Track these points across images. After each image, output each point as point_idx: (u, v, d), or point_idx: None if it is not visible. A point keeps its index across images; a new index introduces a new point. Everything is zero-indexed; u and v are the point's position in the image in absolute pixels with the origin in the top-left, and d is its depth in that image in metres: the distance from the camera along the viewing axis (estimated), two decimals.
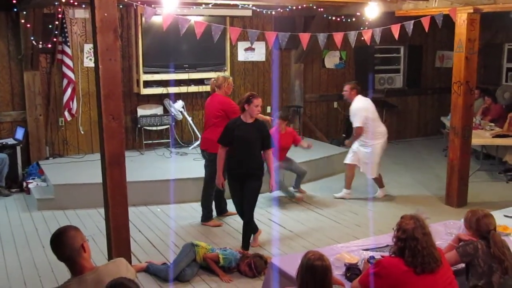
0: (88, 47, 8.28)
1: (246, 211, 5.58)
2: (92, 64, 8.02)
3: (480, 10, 6.53)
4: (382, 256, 3.65)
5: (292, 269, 3.56)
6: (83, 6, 8.02)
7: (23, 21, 7.37)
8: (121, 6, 8.20)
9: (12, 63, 7.96)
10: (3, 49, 7.89)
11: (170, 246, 5.78)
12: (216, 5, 7.65)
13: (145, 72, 8.47)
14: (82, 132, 8.50)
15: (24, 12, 7.33)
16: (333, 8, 8.62)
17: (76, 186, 7.07)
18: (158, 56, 8.57)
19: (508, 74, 11.00)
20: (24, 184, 7.60)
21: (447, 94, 8.15)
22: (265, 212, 6.81)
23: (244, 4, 7.96)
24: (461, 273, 3.68)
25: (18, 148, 7.82)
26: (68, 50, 7.94)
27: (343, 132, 10.62)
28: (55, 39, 7.82)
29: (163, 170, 7.63)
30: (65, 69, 7.93)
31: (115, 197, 4.70)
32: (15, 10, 7.53)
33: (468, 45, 6.63)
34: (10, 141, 7.87)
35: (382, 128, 7.21)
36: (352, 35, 6.10)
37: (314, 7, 8.41)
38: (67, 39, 7.94)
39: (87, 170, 7.58)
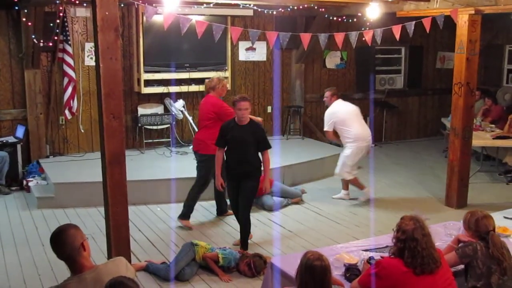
0: (89, 45, 8.28)
1: (241, 210, 5.57)
2: (93, 63, 8.02)
3: (481, 11, 6.53)
4: (382, 257, 3.65)
5: (291, 269, 3.56)
6: (84, 4, 8.03)
7: (24, 19, 7.37)
8: (122, 5, 8.20)
9: (13, 62, 7.96)
10: (4, 48, 7.89)
11: (169, 245, 5.78)
12: (217, 5, 7.65)
13: (146, 71, 8.47)
14: (83, 131, 8.50)
15: (26, 10, 7.33)
16: (334, 8, 8.62)
17: (76, 185, 7.07)
18: (159, 55, 8.57)
19: (508, 75, 10.99)
20: (24, 182, 7.60)
21: (447, 95, 8.15)
22: (265, 212, 6.81)
23: (245, 4, 7.96)
24: (460, 274, 3.68)
25: (19, 146, 7.82)
26: (69, 49, 7.94)
27: None
28: (56, 38, 7.81)
29: (163, 169, 7.64)
30: (66, 68, 7.93)
31: (115, 196, 4.70)
32: (16, 8, 7.54)
33: (469, 46, 6.63)
34: (11, 139, 7.87)
35: (354, 132, 6.99)
36: (353, 36, 6.09)
37: (315, 7, 8.40)
38: (68, 38, 7.94)
39: (87, 168, 7.58)
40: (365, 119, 10.42)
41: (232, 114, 5.71)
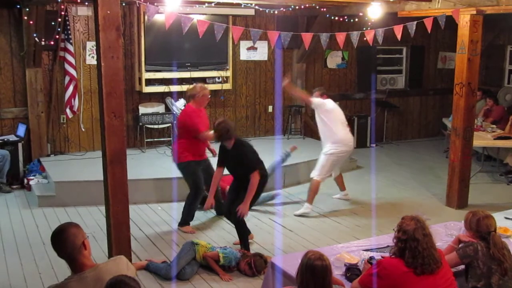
0: (90, 44, 8.28)
1: (233, 212, 5.43)
2: (94, 62, 8.02)
3: (483, 12, 6.52)
4: (382, 257, 3.65)
5: (292, 268, 3.57)
6: (86, 3, 8.04)
7: (25, 18, 7.37)
8: (123, 4, 8.21)
9: (14, 60, 7.96)
10: (6, 46, 7.89)
11: (170, 244, 5.78)
12: (218, 4, 7.65)
13: (147, 70, 8.47)
14: (84, 130, 8.51)
15: (27, 9, 7.33)
16: (336, 8, 8.61)
17: (77, 184, 7.08)
18: (160, 54, 8.57)
19: (510, 75, 10.98)
20: (25, 181, 7.61)
21: (448, 95, 8.16)
22: (266, 212, 6.81)
23: (247, 3, 7.96)
24: (461, 275, 3.68)
25: (20, 145, 7.82)
26: (71, 48, 7.95)
27: None
28: (57, 36, 7.82)
29: (164, 168, 7.63)
30: (67, 67, 7.94)
31: (116, 194, 4.71)
32: (18, 7, 7.55)
33: (471, 47, 6.62)
34: (12, 137, 7.87)
35: (339, 136, 6.72)
36: (355, 35, 6.10)
37: (317, 7, 8.40)
38: (70, 37, 7.95)
39: (88, 167, 7.59)
40: (365, 119, 10.52)
41: (195, 130, 5.74)
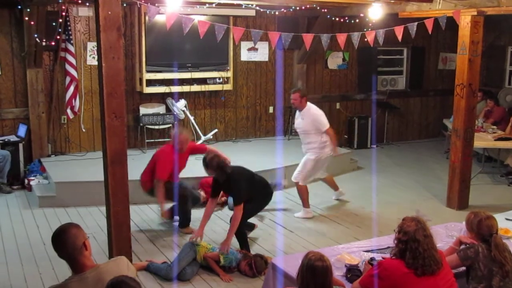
0: (91, 45, 8.28)
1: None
2: (95, 62, 8.03)
3: (483, 13, 6.52)
4: (383, 258, 3.65)
5: (292, 269, 3.57)
6: (87, 4, 8.04)
7: (26, 18, 7.37)
8: (124, 5, 8.22)
9: (15, 61, 7.97)
10: (7, 47, 7.90)
11: (171, 245, 5.78)
12: (219, 5, 7.66)
13: (148, 71, 8.48)
14: (84, 130, 8.51)
15: (28, 10, 7.33)
16: (337, 9, 8.62)
17: (77, 184, 7.08)
18: (161, 55, 8.58)
19: (511, 76, 10.98)
20: (26, 181, 7.61)
21: (449, 96, 8.15)
22: (267, 212, 6.81)
23: (248, 4, 7.96)
24: (462, 276, 3.68)
25: (20, 145, 7.83)
26: (71, 48, 7.95)
27: (345, 133, 10.61)
28: (58, 37, 7.82)
29: None
30: (68, 67, 7.94)
31: (117, 195, 4.71)
32: (19, 7, 7.55)
33: (472, 48, 6.62)
34: (12, 138, 7.87)
35: (324, 138, 6.65)
36: (356, 36, 6.09)
37: (318, 8, 8.40)
38: (71, 37, 7.95)
39: (88, 168, 7.59)
40: (366, 120, 10.52)
41: (161, 175, 5.87)
